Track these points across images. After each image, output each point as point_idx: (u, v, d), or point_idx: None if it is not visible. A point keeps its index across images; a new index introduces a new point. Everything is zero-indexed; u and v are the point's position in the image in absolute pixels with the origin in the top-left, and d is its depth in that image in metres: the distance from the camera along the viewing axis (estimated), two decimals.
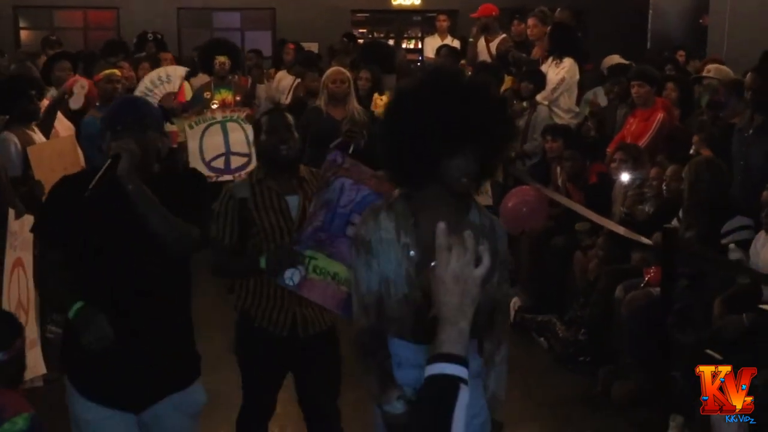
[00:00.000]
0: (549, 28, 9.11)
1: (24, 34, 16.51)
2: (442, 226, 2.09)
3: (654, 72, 7.88)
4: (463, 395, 1.92)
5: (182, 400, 3.44)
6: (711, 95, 7.20)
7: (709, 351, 4.70)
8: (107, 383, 3.30)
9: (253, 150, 8.12)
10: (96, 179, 3.03)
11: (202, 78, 9.76)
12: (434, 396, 1.96)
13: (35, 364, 4.46)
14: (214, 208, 3.99)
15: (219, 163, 8.02)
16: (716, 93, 7.09)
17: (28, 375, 4.43)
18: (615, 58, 9.34)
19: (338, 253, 3.86)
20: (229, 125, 8.03)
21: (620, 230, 6.16)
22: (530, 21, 9.73)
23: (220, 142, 7.97)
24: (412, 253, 2.91)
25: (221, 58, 8.60)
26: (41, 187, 4.64)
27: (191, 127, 8.04)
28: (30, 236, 4.40)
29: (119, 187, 3.10)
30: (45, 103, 6.70)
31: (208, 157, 7.97)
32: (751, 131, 6.10)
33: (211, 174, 7.94)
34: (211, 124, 8.05)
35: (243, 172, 8.07)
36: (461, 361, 1.97)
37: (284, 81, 10.65)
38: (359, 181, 3.86)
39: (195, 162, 7.92)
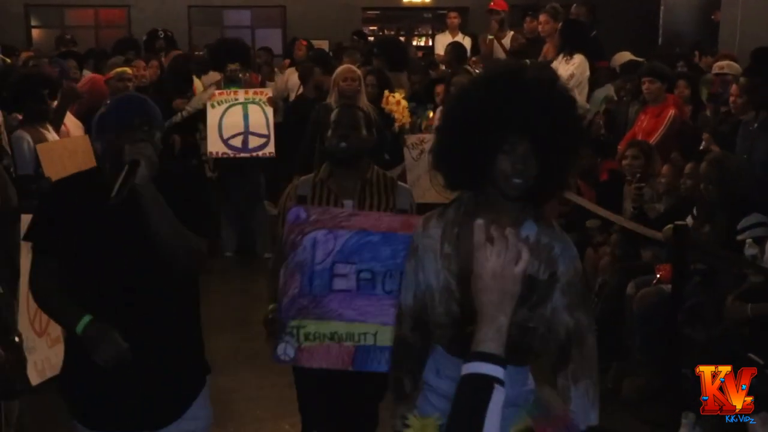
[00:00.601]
0: (560, 24, 9.10)
1: (35, 33, 16.56)
2: (480, 222, 2.04)
3: (665, 68, 7.86)
4: (498, 395, 1.88)
5: (194, 414, 3.25)
6: (708, 88, 7.21)
7: (752, 355, 4.64)
8: (109, 407, 3.11)
9: (271, 132, 8.29)
10: (117, 186, 2.82)
11: (213, 76, 9.78)
12: (468, 395, 1.92)
13: (59, 362, 4.50)
14: (278, 207, 3.89)
15: (236, 142, 8.20)
16: (713, 85, 7.11)
17: (53, 372, 4.49)
18: (626, 55, 9.31)
19: (330, 312, 3.65)
20: (251, 107, 8.18)
21: (632, 226, 6.15)
22: (542, 17, 9.73)
23: (240, 122, 8.19)
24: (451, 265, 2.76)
25: (233, 66, 8.63)
26: (49, 184, 4.64)
27: (213, 106, 8.19)
28: None
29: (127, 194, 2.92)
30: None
31: (226, 135, 8.16)
32: (756, 125, 6.09)
33: (228, 151, 8.10)
34: (232, 105, 8.22)
35: (259, 153, 8.23)
36: (498, 360, 1.93)
37: (293, 78, 10.66)
38: (335, 226, 3.63)
39: (213, 138, 8.11)
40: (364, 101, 7.26)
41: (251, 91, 8.46)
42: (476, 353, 1.95)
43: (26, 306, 4.35)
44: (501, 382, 1.90)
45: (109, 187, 2.86)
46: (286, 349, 3.64)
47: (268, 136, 8.29)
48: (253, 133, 8.25)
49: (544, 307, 2.71)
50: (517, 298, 2.06)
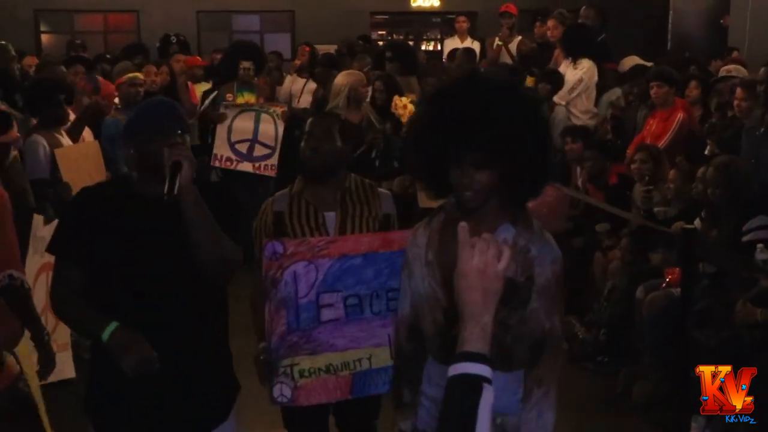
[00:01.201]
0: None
1: (45, 38, 16.63)
2: (463, 223, 2.05)
3: (673, 72, 7.85)
4: (487, 395, 1.87)
5: None
6: (718, 98, 7.21)
7: None
8: (135, 423, 3.02)
9: (278, 146, 8.27)
10: (168, 183, 2.76)
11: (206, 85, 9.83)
12: (457, 397, 1.90)
13: (64, 368, 4.51)
14: (253, 224, 3.79)
15: (242, 147, 8.17)
16: (723, 95, 7.10)
17: (57, 377, 4.49)
18: (634, 60, 9.31)
19: (321, 345, 3.56)
20: (263, 116, 8.16)
21: (643, 222, 6.16)
22: (550, 23, 9.75)
23: (250, 128, 8.13)
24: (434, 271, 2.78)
25: (246, 63, 8.62)
26: (68, 189, 4.68)
27: (226, 107, 8.20)
28: None
29: (147, 200, 2.91)
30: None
31: (234, 138, 8.12)
32: (762, 129, 6.08)
33: (232, 156, 8.05)
34: (245, 110, 8.19)
35: (262, 163, 8.17)
36: (484, 359, 1.92)
37: (296, 84, 10.66)
38: (314, 256, 3.50)
39: (221, 141, 8.08)
40: (368, 106, 7.29)
41: (268, 103, 8.45)
42: (462, 353, 1.94)
43: None
44: (489, 381, 1.89)
45: (141, 192, 2.88)
46: (282, 390, 3.54)
47: (273, 148, 8.24)
48: (261, 143, 8.22)
49: (522, 310, 2.72)
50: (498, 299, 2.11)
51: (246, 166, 8.22)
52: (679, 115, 7.33)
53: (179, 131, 2.99)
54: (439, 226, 2.83)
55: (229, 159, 8.19)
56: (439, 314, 2.78)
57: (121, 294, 2.95)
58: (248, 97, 8.61)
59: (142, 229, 2.94)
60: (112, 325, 2.86)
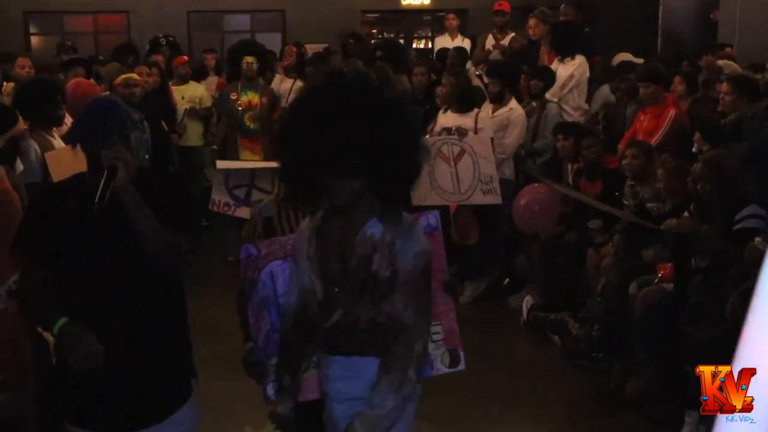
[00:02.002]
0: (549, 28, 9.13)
1: (35, 40, 16.60)
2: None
3: (658, 69, 7.86)
4: None
5: (178, 419, 3.24)
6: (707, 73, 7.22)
7: None
8: (95, 406, 3.13)
9: (276, 190, 8.19)
10: (100, 192, 2.84)
11: (212, 80, 9.79)
12: None
13: None
14: (242, 232, 3.89)
15: (240, 192, 8.09)
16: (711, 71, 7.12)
17: None
18: (624, 56, 9.34)
19: None
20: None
21: (634, 219, 6.18)
22: (531, 21, 9.79)
23: (247, 174, 8.01)
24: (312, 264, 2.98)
25: (249, 59, 8.62)
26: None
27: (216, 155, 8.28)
28: None
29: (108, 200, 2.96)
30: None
31: (232, 184, 8.03)
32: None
33: (230, 201, 7.98)
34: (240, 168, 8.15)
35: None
36: None
37: (284, 84, 10.63)
38: (287, 254, 3.50)
39: (218, 187, 8.02)
40: None
41: (262, 162, 8.27)
42: None
43: None
44: None
45: (90, 193, 2.90)
46: (268, 390, 3.49)
47: (270, 193, 8.20)
48: (258, 188, 8.16)
49: (386, 303, 2.86)
50: (360, 293, 2.39)
51: (243, 212, 8.16)
52: (671, 112, 7.34)
53: (118, 131, 3.05)
54: (319, 223, 3.00)
55: (227, 204, 8.09)
56: (315, 305, 2.98)
57: (81, 288, 3.06)
58: (251, 96, 8.60)
59: (97, 227, 3.00)
60: (62, 321, 2.97)
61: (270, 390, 3.49)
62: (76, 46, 12.53)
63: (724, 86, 6.90)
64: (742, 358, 1.30)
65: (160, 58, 10.61)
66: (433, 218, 3.63)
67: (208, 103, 10.11)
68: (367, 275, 2.86)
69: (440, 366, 3.66)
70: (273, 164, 8.32)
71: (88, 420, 3.17)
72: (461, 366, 3.70)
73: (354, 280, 2.89)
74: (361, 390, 2.92)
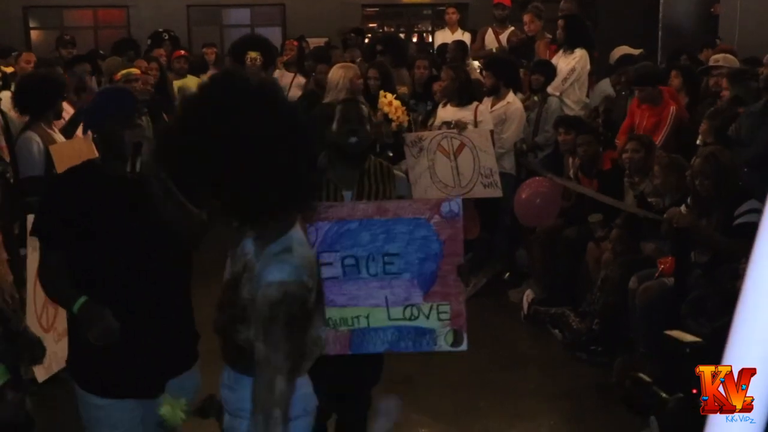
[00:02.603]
0: (560, 20, 9.07)
1: (34, 34, 16.59)
2: None
3: (653, 70, 7.80)
4: None
5: (183, 384, 3.39)
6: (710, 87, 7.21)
7: None
8: (114, 373, 3.29)
9: None
10: (131, 166, 3.18)
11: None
12: None
13: (65, 355, 4.58)
14: None
15: None
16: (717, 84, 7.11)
17: (60, 366, 4.53)
18: (624, 50, 9.31)
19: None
20: None
21: (637, 211, 6.17)
22: (526, 17, 9.78)
23: None
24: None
25: (253, 54, 8.58)
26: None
27: None
28: None
29: (112, 179, 3.26)
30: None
31: None
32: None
33: None
34: None
35: None
36: None
37: (284, 79, 10.62)
38: (316, 219, 3.72)
39: None
40: (361, 99, 7.29)
41: None
42: None
43: (33, 302, 4.38)
44: None
45: (107, 172, 3.28)
46: None
47: None
48: None
49: (244, 327, 2.65)
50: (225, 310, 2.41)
51: None
52: (671, 109, 7.28)
53: (137, 115, 3.37)
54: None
55: None
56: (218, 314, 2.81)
57: (104, 266, 3.26)
58: None
59: (113, 205, 3.27)
60: (81, 299, 3.17)
61: None
62: (75, 40, 12.48)
63: (724, 83, 6.88)
64: (732, 357, 1.30)
65: (162, 52, 10.58)
66: (455, 205, 3.83)
67: None
68: (234, 294, 2.71)
69: (442, 343, 3.86)
70: None
71: (110, 387, 3.32)
72: (463, 346, 3.88)
73: (224, 295, 2.78)
74: (236, 404, 2.77)
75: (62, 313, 4.56)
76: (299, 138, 2.58)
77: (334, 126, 4.03)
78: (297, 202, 2.69)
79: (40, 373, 4.43)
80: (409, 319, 3.84)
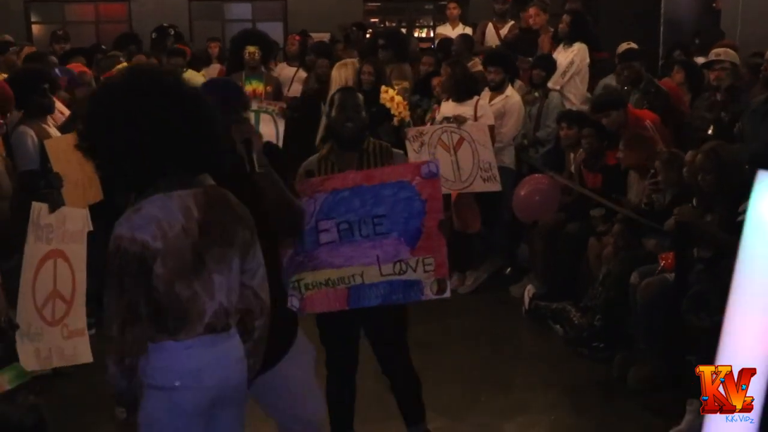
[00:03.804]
0: (566, 15, 9.06)
1: (36, 29, 16.55)
2: None
3: (613, 95, 7.66)
4: None
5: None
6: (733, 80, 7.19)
7: None
8: None
9: (280, 143, 8.17)
10: (249, 162, 3.31)
11: (214, 68, 9.75)
12: None
13: (81, 353, 4.59)
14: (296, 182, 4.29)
15: None
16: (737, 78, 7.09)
17: (73, 362, 4.54)
18: (628, 46, 9.31)
19: (321, 262, 4.19)
20: (262, 116, 8.01)
21: (635, 216, 6.16)
22: (532, 11, 9.77)
23: None
24: None
25: (251, 48, 8.60)
26: (59, 179, 4.66)
27: None
28: (79, 228, 4.55)
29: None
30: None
31: None
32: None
33: None
34: None
35: None
36: None
37: (285, 72, 10.61)
38: (313, 192, 4.15)
39: None
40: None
41: (265, 101, 8.31)
42: None
43: (32, 294, 4.35)
44: None
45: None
46: (292, 302, 4.12)
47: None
48: None
49: None
50: None
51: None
52: (647, 123, 7.04)
53: (240, 108, 3.53)
54: None
55: None
56: None
57: None
58: (256, 86, 8.57)
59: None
60: None
61: (288, 303, 4.09)
62: (74, 35, 12.44)
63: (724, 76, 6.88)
64: (726, 354, 1.30)
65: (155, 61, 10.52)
66: (434, 166, 4.28)
67: None
68: None
69: (428, 293, 4.24)
70: (276, 104, 8.25)
71: None
72: (447, 294, 4.28)
73: None
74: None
75: (77, 312, 4.57)
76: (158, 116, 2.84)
77: (333, 113, 4.41)
78: (155, 172, 2.89)
79: (31, 364, 4.33)
80: (399, 274, 4.20)
